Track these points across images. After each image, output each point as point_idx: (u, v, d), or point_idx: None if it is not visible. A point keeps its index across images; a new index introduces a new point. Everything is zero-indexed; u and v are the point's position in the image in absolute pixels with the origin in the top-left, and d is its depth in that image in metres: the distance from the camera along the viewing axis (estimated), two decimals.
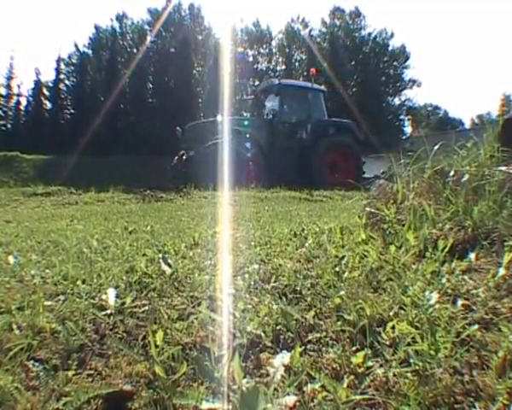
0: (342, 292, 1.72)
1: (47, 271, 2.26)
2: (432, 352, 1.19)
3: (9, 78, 40.02)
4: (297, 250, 2.68)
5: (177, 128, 14.55)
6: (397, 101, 45.58)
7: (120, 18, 43.58)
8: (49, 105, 40.58)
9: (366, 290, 1.78)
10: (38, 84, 40.47)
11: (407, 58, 44.33)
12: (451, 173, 2.59)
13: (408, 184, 2.80)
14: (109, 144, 32.89)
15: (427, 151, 2.91)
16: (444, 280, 1.70)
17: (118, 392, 1.16)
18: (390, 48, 44.34)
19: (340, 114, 35.04)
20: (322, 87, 16.49)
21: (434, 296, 1.45)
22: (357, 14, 44.31)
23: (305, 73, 41.78)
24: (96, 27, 42.91)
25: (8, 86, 40.04)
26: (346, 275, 1.98)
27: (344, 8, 44.56)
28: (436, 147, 2.90)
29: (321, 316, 1.64)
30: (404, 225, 2.34)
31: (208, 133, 12.70)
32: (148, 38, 40.95)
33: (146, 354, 1.38)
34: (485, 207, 2.22)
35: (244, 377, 1.17)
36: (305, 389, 1.15)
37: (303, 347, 1.40)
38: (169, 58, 39.27)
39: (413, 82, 44.73)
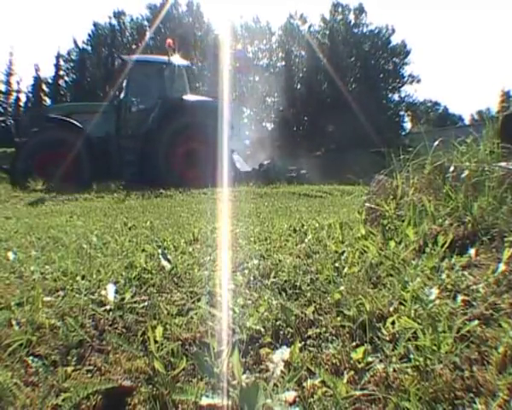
0: (342, 288, 1.72)
1: (46, 267, 2.25)
2: (434, 347, 1.19)
3: (9, 74, 39.95)
4: (296, 246, 2.67)
5: (11, 120, 12.61)
6: (396, 97, 45.52)
7: (118, 15, 43.52)
8: (48, 101, 40.49)
9: (366, 286, 1.78)
10: (38, 80, 40.43)
11: (407, 54, 44.20)
12: (451, 169, 2.59)
13: (408, 179, 2.79)
14: None
15: (426, 147, 2.90)
16: (443, 276, 1.70)
17: (117, 388, 1.16)
18: (390, 44, 44.17)
19: (340, 110, 35.08)
20: (185, 62, 13.68)
21: (434, 292, 1.45)
22: (360, 10, 44.12)
23: (304, 69, 41.76)
24: (95, 24, 42.86)
25: (8, 83, 39.99)
26: (345, 270, 1.98)
27: (345, 4, 44.38)
28: (436, 143, 2.89)
29: (320, 311, 1.63)
30: (403, 221, 2.34)
31: (36, 123, 11.22)
32: (148, 35, 40.82)
33: (145, 350, 1.38)
34: (484, 203, 2.22)
35: (244, 372, 1.17)
36: (304, 384, 1.15)
37: (303, 342, 1.40)
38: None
39: (412, 78, 44.61)
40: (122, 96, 12.29)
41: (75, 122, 11.01)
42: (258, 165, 15.08)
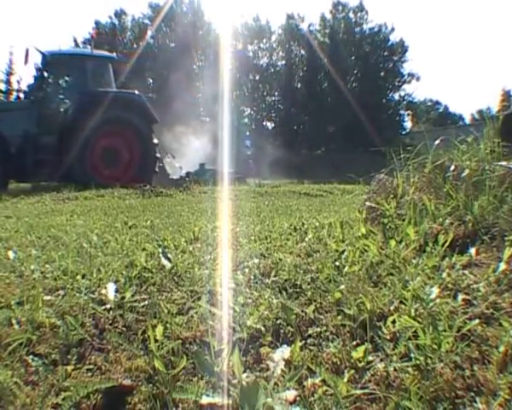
0: (342, 286, 1.72)
1: (47, 266, 2.25)
2: (435, 346, 1.19)
3: (9, 73, 39.88)
4: (297, 245, 2.67)
5: None
6: (397, 96, 45.49)
7: (119, 15, 43.59)
8: None
9: (366, 285, 1.77)
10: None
11: (405, 51, 44.14)
12: (452, 168, 2.58)
13: (408, 178, 2.79)
14: None
15: (427, 146, 2.90)
16: (444, 275, 1.70)
17: (117, 387, 1.16)
18: (390, 42, 44.13)
19: (340, 109, 35.08)
20: (110, 53, 12.96)
21: (435, 291, 1.44)
22: (360, 8, 44.08)
23: (305, 68, 41.75)
24: (96, 23, 42.90)
25: (8, 82, 39.87)
26: (346, 269, 1.98)
27: (346, 3, 44.32)
28: (437, 142, 2.89)
29: (321, 310, 1.63)
30: (404, 220, 2.33)
31: None
32: (149, 33, 40.83)
33: (145, 349, 1.38)
34: (485, 202, 2.21)
35: (244, 371, 1.17)
36: (305, 383, 1.14)
37: (303, 341, 1.40)
38: (169, 53, 39.16)
39: (412, 76, 44.55)
40: (43, 91, 11.57)
41: None
42: (185, 173, 15.11)
